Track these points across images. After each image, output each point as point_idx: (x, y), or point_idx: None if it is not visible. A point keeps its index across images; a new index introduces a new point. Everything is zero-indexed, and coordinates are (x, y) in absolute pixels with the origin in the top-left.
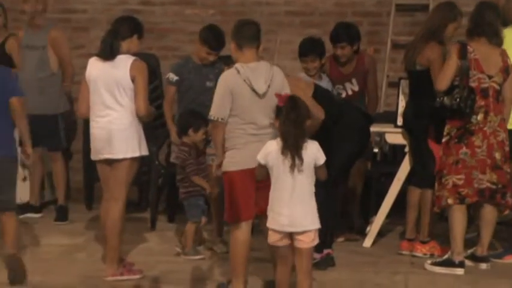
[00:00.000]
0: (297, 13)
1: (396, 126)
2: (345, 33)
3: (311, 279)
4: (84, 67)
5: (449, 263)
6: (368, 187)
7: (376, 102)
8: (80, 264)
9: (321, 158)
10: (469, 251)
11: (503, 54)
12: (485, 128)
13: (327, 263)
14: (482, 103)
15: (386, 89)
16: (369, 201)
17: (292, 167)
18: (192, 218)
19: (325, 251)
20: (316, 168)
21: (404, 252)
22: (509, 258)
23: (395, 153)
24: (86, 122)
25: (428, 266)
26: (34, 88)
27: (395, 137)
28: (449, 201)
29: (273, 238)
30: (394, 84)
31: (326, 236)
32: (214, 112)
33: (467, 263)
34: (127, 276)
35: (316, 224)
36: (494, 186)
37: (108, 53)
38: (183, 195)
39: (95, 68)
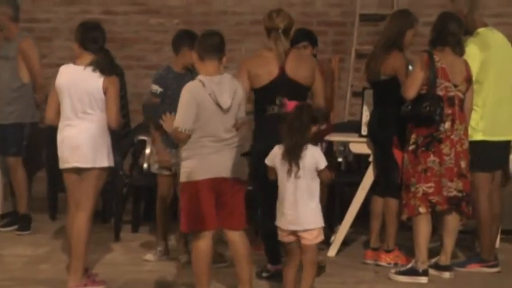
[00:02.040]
0: (262, 22)
1: (360, 135)
2: (306, 34)
3: (314, 272)
4: (47, 77)
5: (413, 272)
6: (332, 196)
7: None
8: (44, 274)
9: (322, 162)
10: (433, 260)
11: (466, 63)
12: (452, 136)
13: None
14: (449, 111)
15: (350, 98)
16: (333, 211)
17: (290, 172)
18: None
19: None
20: (319, 172)
21: (368, 261)
22: (472, 267)
23: (359, 163)
24: (50, 132)
25: (392, 275)
26: (5, 98)
27: (359, 146)
28: (421, 209)
29: (280, 235)
30: (359, 94)
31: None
32: (180, 123)
33: (431, 271)
34: (90, 287)
35: (319, 223)
36: (460, 194)
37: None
38: None
39: (66, 75)
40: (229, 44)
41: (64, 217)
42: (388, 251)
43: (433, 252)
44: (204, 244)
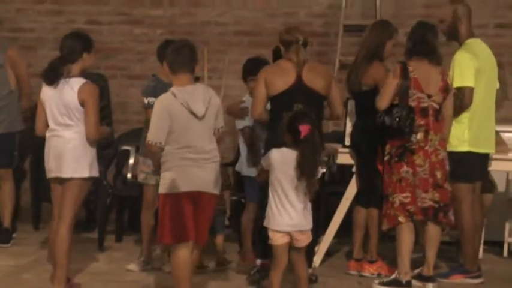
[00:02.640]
0: (246, 33)
1: (344, 146)
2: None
3: (307, 270)
4: (32, 86)
5: (396, 283)
6: (316, 207)
7: None
8: (26, 285)
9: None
10: (416, 271)
11: (443, 73)
12: (426, 147)
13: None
14: (422, 122)
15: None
16: (317, 221)
17: (298, 184)
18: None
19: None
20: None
21: (352, 272)
22: (455, 278)
23: (343, 173)
24: (33, 142)
25: (375, 286)
26: None
27: (343, 157)
28: (401, 219)
29: (275, 238)
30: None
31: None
32: (152, 137)
33: (415, 283)
34: None
35: (311, 224)
36: (436, 205)
37: (49, 81)
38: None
39: (46, 89)
40: (212, 54)
41: (48, 227)
42: (371, 262)
43: (416, 263)
44: (184, 254)
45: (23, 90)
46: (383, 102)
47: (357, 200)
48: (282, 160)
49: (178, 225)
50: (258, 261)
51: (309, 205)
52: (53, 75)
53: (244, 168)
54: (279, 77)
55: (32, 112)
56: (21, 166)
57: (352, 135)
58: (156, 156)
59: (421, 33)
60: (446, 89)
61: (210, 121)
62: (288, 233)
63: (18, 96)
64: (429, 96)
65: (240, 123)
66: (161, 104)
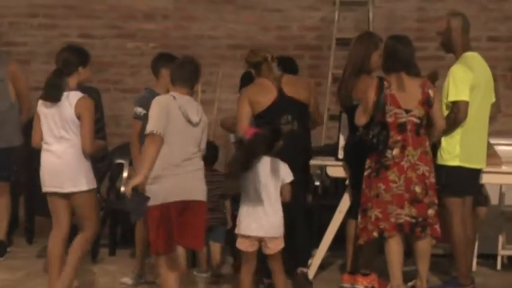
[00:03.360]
0: (239, 46)
1: (337, 159)
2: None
3: (284, 278)
4: None
5: None
6: (310, 220)
7: None
8: None
9: (287, 177)
10: (409, 284)
11: (424, 85)
12: (402, 163)
13: None
14: (399, 138)
15: (327, 122)
16: (310, 234)
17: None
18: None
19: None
20: (282, 186)
21: (345, 285)
22: None
23: (336, 186)
24: (26, 155)
25: None
26: None
27: (336, 170)
28: (375, 234)
29: (243, 244)
30: (335, 118)
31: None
32: (152, 126)
33: None
34: None
35: (281, 231)
36: (413, 220)
37: (53, 98)
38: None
39: (43, 104)
40: (206, 67)
41: (41, 240)
42: (365, 275)
43: (410, 276)
44: (174, 265)
45: (23, 105)
46: (360, 118)
47: (349, 213)
48: (257, 167)
49: (166, 237)
50: (266, 281)
51: (280, 212)
52: (56, 92)
53: None
54: (262, 95)
55: (28, 125)
56: (19, 180)
57: (345, 148)
58: (153, 147)
59: (392, 47)
60: (427, 101)
61: (198, 134)
62: (258, 240)
63: (19, 110)
64: (407, 111)
65: (234, 137)
66: (161, 102)
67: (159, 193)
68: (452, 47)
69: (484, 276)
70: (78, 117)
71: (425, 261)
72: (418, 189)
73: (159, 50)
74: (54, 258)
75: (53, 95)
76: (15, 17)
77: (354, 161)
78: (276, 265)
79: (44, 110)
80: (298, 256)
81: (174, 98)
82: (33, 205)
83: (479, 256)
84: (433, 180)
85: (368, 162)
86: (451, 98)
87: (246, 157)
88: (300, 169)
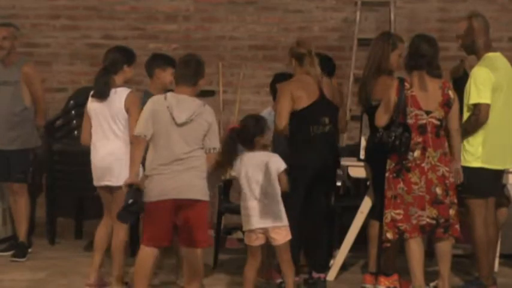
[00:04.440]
0: (260, 47)
1: (359, 159)
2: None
3: (293, 270)
4: (47, 101)
5: None
6: (331, 221)
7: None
8: None
9: (281, 167)
10: (432, 284)
11: (444, 86)
12: (422, 164)
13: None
14: (420, 139)
15: (349, 122)
16: (332, 235)
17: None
18: None
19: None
20: (278, 176)
21: (367, 285)
22: None
23: (358, 187)
24: (50, 158)
25: None
26: (7, 123)
27: (358, 170)
28: (389, 235)
29: (250, 239)
30: (357, 118)
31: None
32: (138, 129)
33: None
34: None
35: (286, 221)
36: (434, 222)
37: (102, 94)
38: None
39: (93, 100)
40: (227, 68)
41: (63, 242)
42: (387, 275)
43: (433, 276)
44: (149, 256)
45: (38, 107)
46: (381, 119)
47: (371, 214)
48: (246, 163)
49: (154, 232)
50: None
51: (278, 202)
52: (104, 89)
53: None
54: (304, 92)
55: (49, 127)
56: (38, 181)
57: (367, 149)
58: (138, 148)
59: (416, 45)
60: (447, 103)
61: (193, 133)
62: (263, 233)
63: (34, 112)
64: (428, 113)
65: None
66: (151, 103)
67: (149, 191)
68: (473, 49)
69: (506, 276)
70: (127, 111)
71: (446, 261)
72: (438, 190)
73: (180, 51)
74: (100, 245)
75: (101, 92)
76: (37, 19)
77: (375, 161)
78: (284, 256)
79: (94, 107)
80: (315, 260)
81: (165, 98)
82: (55, 206)
83: (501, 256)
84: (452, 180)
85: (389, 163)
86: (473, 101)
87: (224, 153)
88: (331, 170)
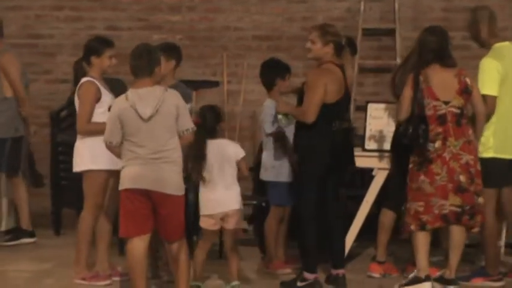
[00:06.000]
0: (265, 38)
1: (364, 149)
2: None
3: (238, 258)
4: (51, 92)
5: (416, 280)
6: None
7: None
8: None
9: (239, 154)
10: (438, 273)
11: (459, 74)
12: (444, 154)
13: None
14: (440, 130)
15: (354, 112)
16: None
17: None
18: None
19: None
20: (237, 163)
21: (374, 274)
22: (476, 281)
23: (363, 176)
24: (53, 147)
25: None
26: None
27: (363, 160)
28: (412, 227)
29: (207, 223)
30: (362, 108)
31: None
32: (105, 137)
33: (436, 285)
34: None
35: (240, 205)
36: (459, 209)
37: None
38: None
39: None
40: (231, 59)
41: (68, 232)
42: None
43: (438, 266)
44: (135, 246)
45: (18, 97)
46: (401, 113)
47: (384, 203)
48: (208, 149)
49: (130, 220)
50: (311, 276)
51: (236, 187)
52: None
53: (265, 172)
54: (337, 86)
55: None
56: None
57: (393, 139)
58: (114, 152)
59: (424, 40)
60: (465, 90)
61: (164, 123)
62: (221, 217)
63: (17, 103)
64: (446, 103)
65: (270, 128)
66: (114, 107)
67: (123, 179)
68: (480, 40)
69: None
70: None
71: (458, 252)
72: (462, 178)
73: (185, 42)
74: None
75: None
76: (42, 10)
77: (398, 152)
78: (230, 241)
79: None
80: (333, 258)
81: (127, 98)
82: (60, 197)
83: (507, 245)
84: (479, 168)
85: (412, 156)
86: (481, 92)
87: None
88: (345, 167)
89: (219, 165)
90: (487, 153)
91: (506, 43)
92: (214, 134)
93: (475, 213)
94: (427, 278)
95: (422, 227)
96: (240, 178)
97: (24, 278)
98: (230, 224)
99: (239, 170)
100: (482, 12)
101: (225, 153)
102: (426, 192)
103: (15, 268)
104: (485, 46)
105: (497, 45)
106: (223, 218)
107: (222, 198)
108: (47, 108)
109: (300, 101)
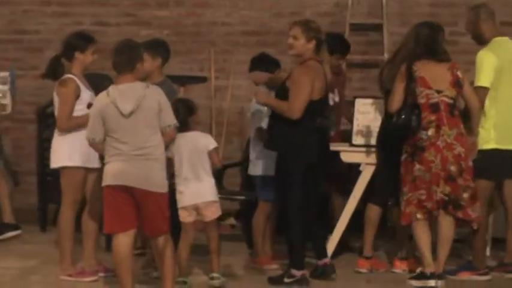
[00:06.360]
0: (252, 33)
1: (352, 145)
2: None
3: (219, 246)
4: (38, 88)
5: (422, 276)
6: (324, 205)
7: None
8: (34, 286)
9: (210, 145)
10: (419, 269)
11: (452, 68)
12: (438, 143)
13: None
14: (433, 118)
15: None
16: (325, 220)
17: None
18: None
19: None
20: (209, 153)
21: (361, 270)
22: (463, 275)
23: (350, 171)
24: (39, 144)
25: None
26: None
27: (350, 155)
28: (419, 215)
29: (183, 215)
30: (349, 104)
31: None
32: (87, 134)
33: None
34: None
35: (216, 197)
36: (446, 198)
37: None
38: None
39: None
40: (219, 54)
41: (54, 229)
42: (402, 259)
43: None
44: (121, 242)
45: None
46: (393, 104)
47: (371, 198)
48: (179, 143)
49: (114, 216)
50: (298, 273)
51: (209, 179)
52: (48, 74)
53: (254, 167)
54: (321, 83)
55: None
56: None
57: (379, 134)
58: (97, 149)
59: (417, 34)
60: (457, 83)
61: (145, 119)
62: (195, 209)
63: None
64: (439, 92)
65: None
66: (96, 104)
67: (105, 175)
68: (479, 39)
69: (498, 260)
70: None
71: (447, 246)
72: (453, 168)
73: (172, 38)
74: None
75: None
76: (29, 5)
77: (385, 146)
78: (212, 233)
79: None
80: (317, 249)
81: (108, 94)
82: (46, 193)
83: (493, 240)
84: (470, 164)
85: (404, 147)
86: (475, 84)
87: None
88: (325, 161)
89: (191, 157)
90: (488, 144)
91: (505, 38)
92: (186, 127)
93: (460, 206)
94: (432, 276)
95: (429, 214)
96: (213, 169)
97: (10, 275)
98: (206, 217)
99: (211, 161)
100: (481, 10)
101: (197, 145)
102: (426, 180)
103: (1, 265)
104: (485, 44)
105: (496, 39)
106: (197, 210)
107: (194, 190)
108: (34, 104)
109: (280, 96)
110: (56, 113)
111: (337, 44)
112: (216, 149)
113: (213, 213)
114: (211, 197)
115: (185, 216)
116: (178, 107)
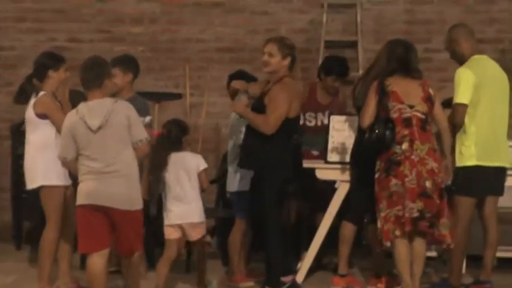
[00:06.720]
0: (227, 50)
1: (326, 162)
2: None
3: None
4: (14, 104)
5: None
6: (299, 222)
7: None
8: None
9: (200, 166)
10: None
11: (424, 84)
12: (412, 157)
13: None
14: (406, 132)
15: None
16: (300, 237)
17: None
18: None
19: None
20: (198, 174)
21: (336, 287)
22: None
23: (325, 189)
24: (14, 161)
25: None
26: None
27: (325, 173)
28: (397, 233)
29: (167, 232)
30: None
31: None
32: (59, 153)
33: None
34: None
35: (203, 218)
36: (418, 214)
37: (17, 100)
38: None
39: None
40: (194, 71)
41: (30, 247)
42: (342, 276)
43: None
44: (95, 262)
45: None
46: (364, 120)
47: (345, 216)
48: (172, 162)
49: (88, 236)
50: (287, 278)
51: (197, 200)
52: (19, 96)
53: (231, 184)
54: (298, 101)
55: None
56: None
57: (353, 151)
58: (70, 167)
59: (391, 50)
60: (429, 98)
61: (114, 134)
62: (180, 228)
63: None
64: (411, 107)
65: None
66: (66, 122)
67: (79, 195)
68: (458, 58)
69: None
70: (42, 116)
71: (420, 263)
72: (428, 184)
73: (147, 54)
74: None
75: (16, 99)
76: (3, 22)
77: (359, 163)
78: (197, 253)
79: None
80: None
81: (77, 111)
82: (21, 211)
83: (468, 257)
84: (440, 180)
85: (378, 164)
86: (454, 101)
87: (156, 156)
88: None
89: (181, 177)
90: (469, 161)
91: (483, 56)
92: (179, 147)
93: (435, 222)
94: None
95: (402, 230)
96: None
97: None
98: (191, 237)
99: (200, 181)
100: (460, 30)
101: (187, 165)
102: (401, 195)
103: None
104: (464, 62)
105: (475, 57)
106: (183, 229)
107: (182, 210)
108: (9, 121)
109: (256, 111)
110: (54, 125)
111: (333, 66)
112: (205, 170)
113: (198, 233)
114: (199, 218)
115: (170, 234)
116: (171, 127)
